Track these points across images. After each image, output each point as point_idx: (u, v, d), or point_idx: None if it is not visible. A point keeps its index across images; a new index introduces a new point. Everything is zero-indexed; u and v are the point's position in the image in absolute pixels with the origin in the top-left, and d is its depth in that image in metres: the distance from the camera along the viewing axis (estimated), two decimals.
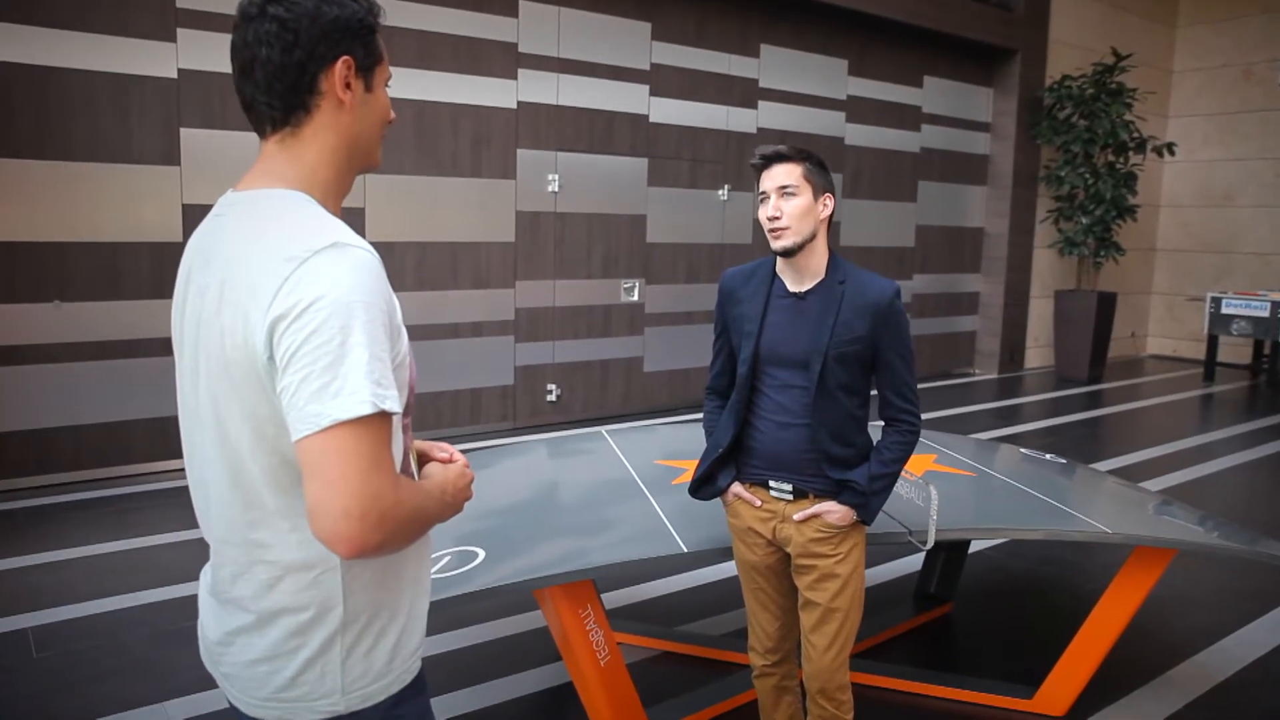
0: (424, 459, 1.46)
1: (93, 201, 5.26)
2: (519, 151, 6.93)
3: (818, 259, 2.37)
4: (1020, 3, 10.01)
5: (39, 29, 5.02)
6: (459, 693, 3.25)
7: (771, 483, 2.40)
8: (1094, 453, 7.01)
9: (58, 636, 3.58)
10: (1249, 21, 11.43)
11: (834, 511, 2.33)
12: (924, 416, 8.23)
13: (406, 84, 6.31)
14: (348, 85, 1.29)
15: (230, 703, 1.33)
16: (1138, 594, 3.06)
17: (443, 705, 3.16)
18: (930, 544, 2.64)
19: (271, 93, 1.26)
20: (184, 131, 5.48)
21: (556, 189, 7.16)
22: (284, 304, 1.13)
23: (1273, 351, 10.17)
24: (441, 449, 1.48)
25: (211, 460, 1.25)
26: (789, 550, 2.41)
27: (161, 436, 5.50)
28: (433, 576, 2.55)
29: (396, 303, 1.27)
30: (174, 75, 5.43)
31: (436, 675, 3.34)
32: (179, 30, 5.42)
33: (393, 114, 1.41)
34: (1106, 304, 10.16)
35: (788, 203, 2.31)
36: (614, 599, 4.01)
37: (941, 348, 10.40)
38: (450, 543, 2.79)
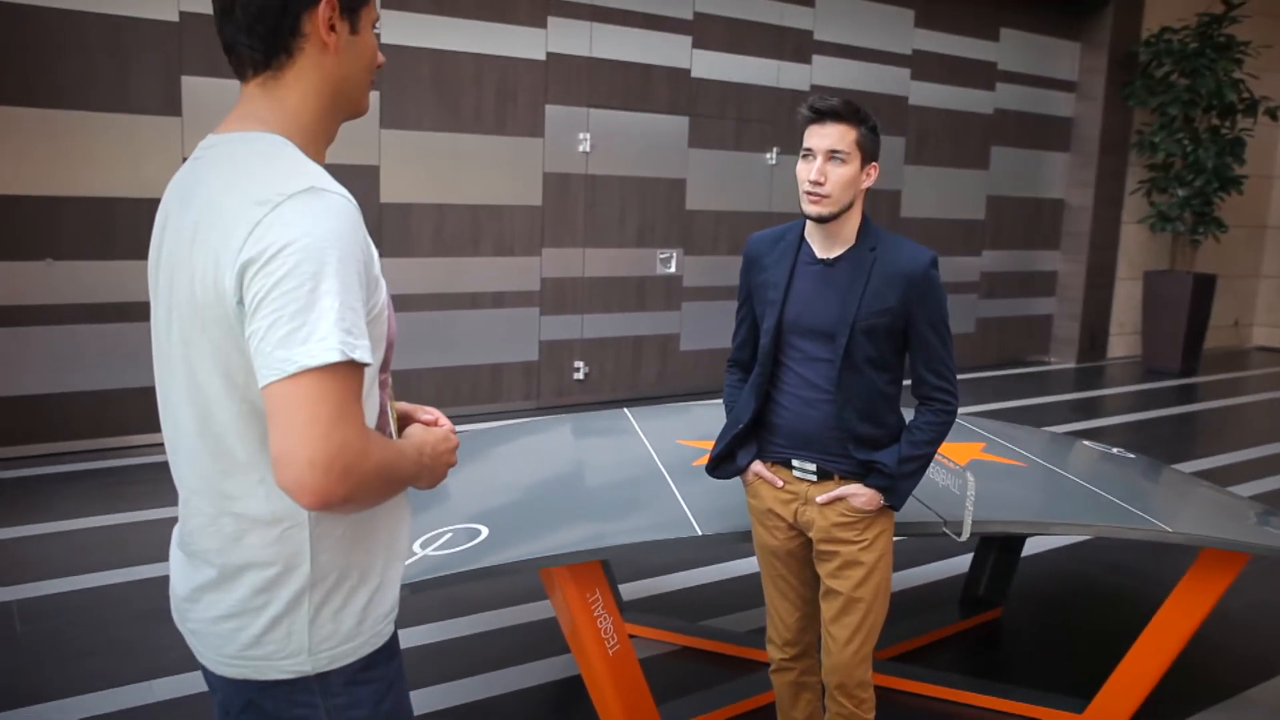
0: (407, 420, 1.55)
1: (87, 153, 5.44)
2: (547, 107, 7.00)
3: (851, 225, 2.42)
4: None
5: None
6: (467, 680, 3.37)
7: (795, 462, 2.46)
8: (1182, 452, 6.95)
9: (43, 611, 3.75)
10: None
11: (860, 495, 2.38)
12: (991, 407, 8.18)
13: (425, 32, 6.42)
14: (332, 27, 1.35)
15: (199, 663, 1.43)
16: (1204, 602, 3.06)
17: (450, 692, 3.29)
18: (965, 536, 2.68)
19: (253, 34, 1.33)
20: (186, 80, 5.64)
21: (588, 149, 7.23)
22: (255, 247, 1.20)
23: None
24: (427, 412, 1.56)
25: (182, 407, 1.35)
26: (811, 535, 2.47)
27: (157, 407, 5.67)
28: (432, 553, 2.67)
29: (375, 253, 1.34)
30: (175, 18, 5.58)
31: (443, 661, 3.48)
32: None
33: (381, 58, 1.47)
34: (1204, 287, 10.01)
35: (834, 169, 2.33)
36: (634, 590, 4.10)
37: (1013, 332, 10.33)
38: (453, 520, 2.88)
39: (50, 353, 5.48)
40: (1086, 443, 4.25)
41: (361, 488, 1.23)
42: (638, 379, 7.80)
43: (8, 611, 3.73)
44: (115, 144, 5.50)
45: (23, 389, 5.44)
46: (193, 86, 5.65)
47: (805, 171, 2.37)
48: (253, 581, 1.33)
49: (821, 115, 2.36)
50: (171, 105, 5.62)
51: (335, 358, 1.18)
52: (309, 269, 1.19)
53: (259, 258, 1.20)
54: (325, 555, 1.34)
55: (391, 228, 6.47)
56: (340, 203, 1.26)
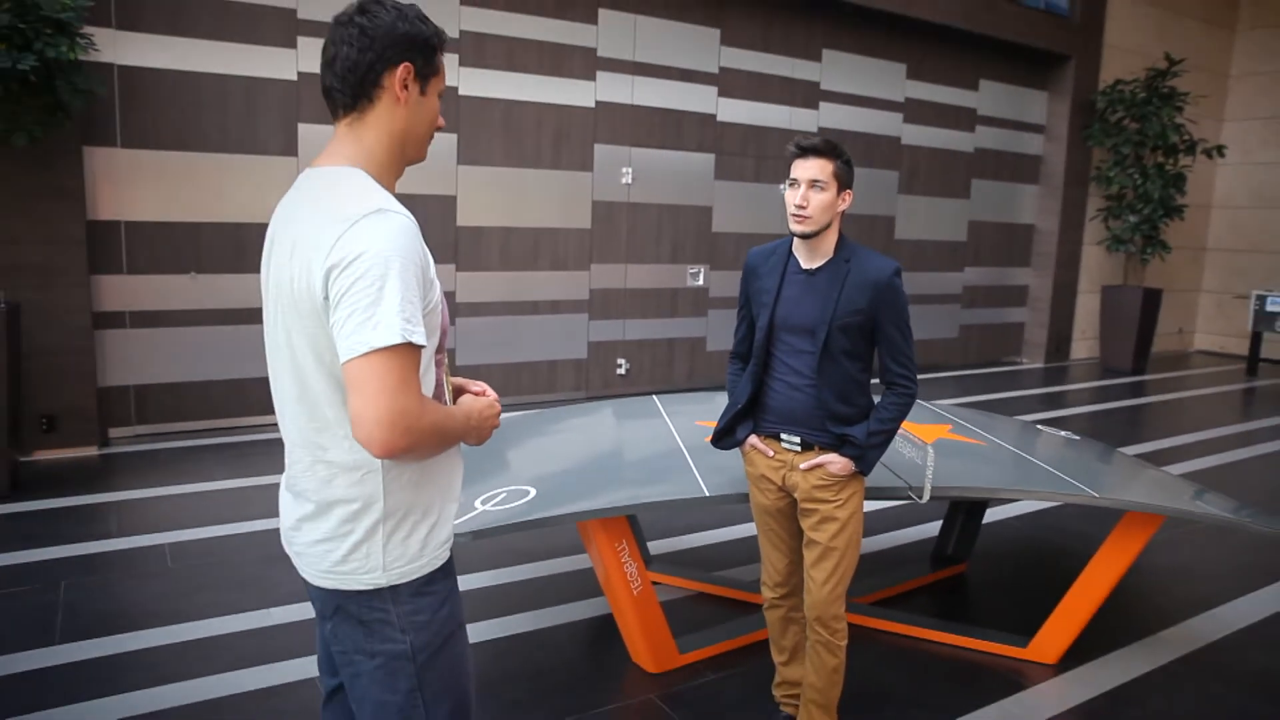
0: (461, 391, 1.65)
1: (223, 187, 5.62)
2: (596, 146, 7.09)
3: (829, 241, 2.48)
4: (1075, 10, 9.73)
5: (182, 39, 5.39)
6: (519, 615, 3.46)
7: (783, 435, 2.52)
8: (1132, 437, 6.87)
9: (189, 552, 3.92)
10: None
11: (835, 462, 2.44)
12: (971, 399, 8.11)
13: (496, 85, 6.54)
14: (405, 85, 1.45)
15: (301, 576, 1.54)
16: (1126, 556, 3.08)
17: (505, 625, 3.38)
18: (926, 498, 2.73)
19: (345, 82, 1.44)
20: (302, 126, 5.81)
21: (629, 181, 7.31)
22: (336, 255, 1.31)
23: None
24: (477, 385, 1.66)
25: (285, 380, 1.46)
26: (796, 496, 2.53)
27: None
28: (489, 509, 2.77)
29: (430, 260, 1.43)
30: (294, 78, 5.75)
31: (500, 601, 3.57)
32: (299, 38, 5.73)
33: (442, 120, 1.56)
34: (1152, 299, 9.85)
35: (816, 195, 2.39)
36: (660, 546, 4.18)
37: (990, 337, 10.24)
38: (508, 483, 2.98)
39: (194, 348, 5.67)
40: (1040, 427, 4.24)
41: (419, 441, 1.32)
42: (671, 374, 7.87)
43: (161, 552, 3.91)
44: (245, 179, 5.67)
45: (173, 377, 5.64)
46: (306, 132, 5.82)
47: (792, 197, 2.42)
48: (340, 514, 1.44)
49: (805, 151, 2.41)
50: (290, 147, 5.79)
51: (397, 340, 1.28)
52: (377, 272, 1.29)
53: (340, 263, 1.30)
54: (395, 495, 1.44)
55: (466, 247, 6.61)
56: (402, 221, 1.36)
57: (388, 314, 1.29)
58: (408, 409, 1.29)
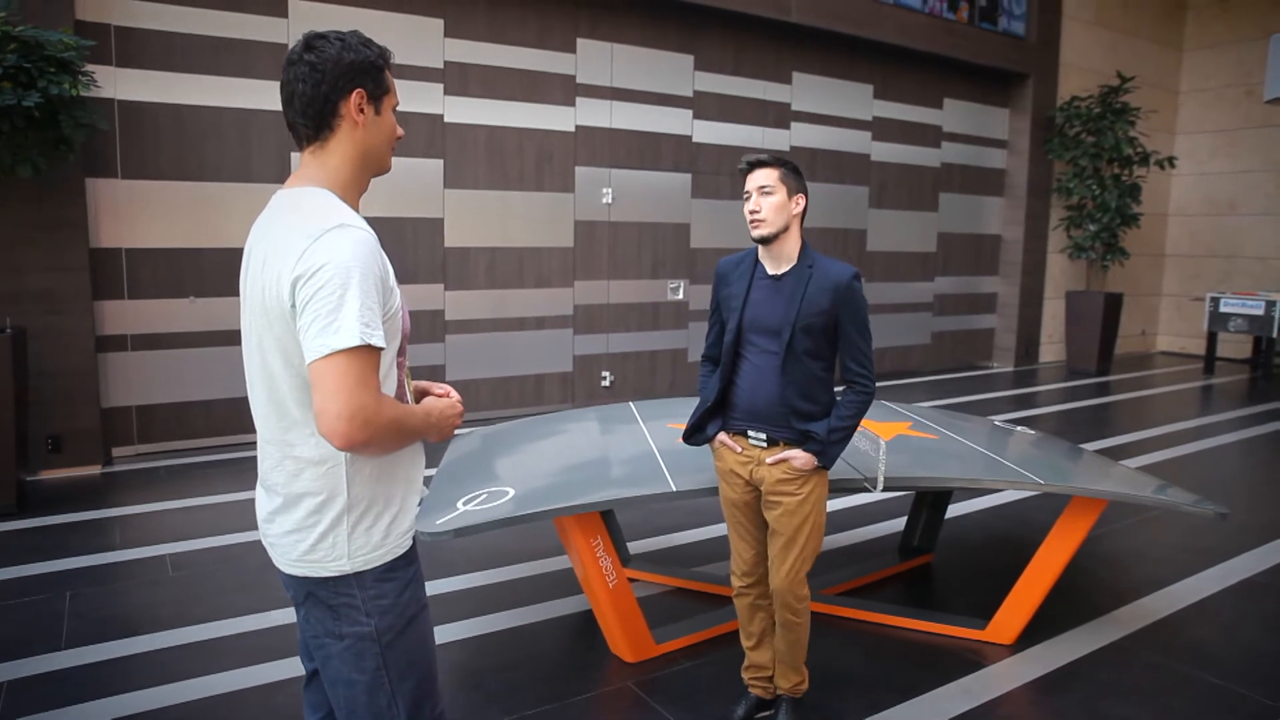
0: (425, 393, 1.70)
1: (220, 214, 5.68)
2: (577, 169, 7.18)
3: (791, 247, 2.55)
4: (1032, 31, 9.88)
5: (179, 74, 5.47)
6: (503, 613, 3.50)
7: (750, 432, 2.58)
8: (1096, 434, 6.95)
9: (190, 561, 3.96)
10: (1251, 44, 11.06)
11: (798, 457, 2.50)
12: (945, 402, 8.21)
13: (479, 112, 6.62)
14: (360, 110, 1.52)
15: (275, 565, 1.59)
16: (1074, 539, 3.15)
17: (490, 622, 3.42)
18: (879, 488, 2.79)
19: (306, 116, 1.51)
20: (294, 155, 5.87)
21: (610, 201, 7.39)
22: (302, 267, 1.37)
23: (1268, 347, 9.85)
24: (440, 388, 1.71)
25: (257, 382, 1.52)
26: (762, 489, 2.58)
27: None
28: (471, 509, 2.81)
29: (390, 270, 1.49)
30: None
31: (484, 600, 3.61)
32: None
33: (400, 131, 1.62)
34: (1113, 303, 9.97)
35: (766, 200, 2.49)
36: (641, 546, 4.23)
37: (962, 343, 10.34)
38: (488, 484, 3.02)
39: (193, 369, 5.71)
40: (997, 423, 4.31)
41: (376, 435, 1.37)
42: (654, 385, 7.92)
43: (163, 561, 3.94)
44: (240, 206, 5.73)
45: (173, 397, 5.68)
46: (298, 161, 5.86)
47: (747, 207, 2.52)
48: (307, 506, 1.49)
49: (752, 166, 2.54)
50: (283, 175, 5.85)
51: (356, 342, 1.34)
52: (338, 282, 1.36)
53: (305, 274, 1.37)
54: (357, 488, 1.50)
55: (454, 266, 6.67)
56: (362, 235, 1.42)
57: (348, 319, 1.34)
58: (365, 404, 1.35)
